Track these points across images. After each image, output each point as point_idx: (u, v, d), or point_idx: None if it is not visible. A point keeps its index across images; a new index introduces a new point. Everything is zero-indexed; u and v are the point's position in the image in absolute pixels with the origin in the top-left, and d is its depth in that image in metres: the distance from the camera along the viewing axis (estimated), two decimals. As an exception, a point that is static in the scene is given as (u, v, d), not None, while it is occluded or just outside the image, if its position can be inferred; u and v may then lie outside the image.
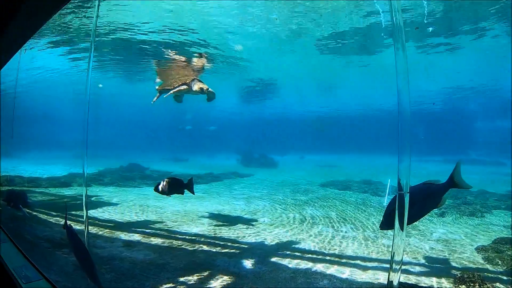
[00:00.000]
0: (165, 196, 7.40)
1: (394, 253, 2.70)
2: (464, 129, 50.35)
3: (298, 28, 12.15)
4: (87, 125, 5.21)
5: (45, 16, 2.46)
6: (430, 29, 12.41)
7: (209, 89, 9.73)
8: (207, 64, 15.50)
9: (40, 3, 2.23)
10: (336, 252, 7.16)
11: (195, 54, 14.02)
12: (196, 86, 9.82)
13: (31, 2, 2.13)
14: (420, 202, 3.99)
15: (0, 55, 2.94)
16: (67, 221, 4.73)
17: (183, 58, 13.98)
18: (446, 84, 23.51)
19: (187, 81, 10.07)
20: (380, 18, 11.38)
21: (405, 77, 2.63)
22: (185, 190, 7.39)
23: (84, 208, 5.00)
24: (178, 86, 10.07)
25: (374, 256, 6.95)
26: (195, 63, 14.87)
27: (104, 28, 11.90)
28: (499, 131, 46.40)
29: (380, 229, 4.30)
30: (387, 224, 4.16)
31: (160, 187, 7.27)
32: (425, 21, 11.75)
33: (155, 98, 10.96)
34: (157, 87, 11.09)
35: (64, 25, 11.43)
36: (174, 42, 12.81)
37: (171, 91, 10.22)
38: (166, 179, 7.32)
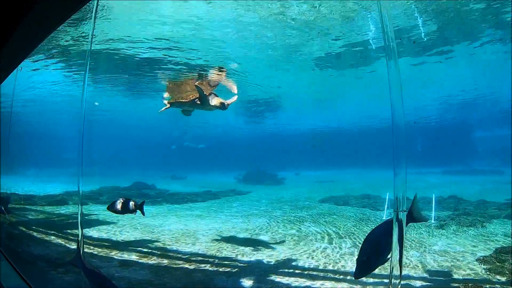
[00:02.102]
0: (162, 215, 7.35)
1: (393, 268, 2.65)
2: (462, 139, 50.44)
3: (295, 44, 12.25)
4: (82, 143, 5.16)
5: (47, 29, 2.44)
6: (425, 39, 12.54)
7: (229, 102, 9.56)
8: (226, 80, 15.04)
9: (43, 16, 2.21)
10: (336, 268, 7.06)
11: (215, 68, 13.73)
12: (215, 101, 9.50)
13: (32, 15, 2.10)
14: (387, 243, 3.74)
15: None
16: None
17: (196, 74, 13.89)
18: (443, 95, 23.66)
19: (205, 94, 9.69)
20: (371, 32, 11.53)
21: (398, 91, 2.61)
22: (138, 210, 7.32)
23: (79, 226, 4.93)
24: (195, 98, 9.60)
25: (375, 271, 6.83)
26: (213, 78, 14.47)
27: (101, 44, 11.90)
28: (497, 140, 46.56)
29: (355, 278, 3.82)
30: (362, 271, 3.70)
31: (113, 206, 7.18)
32: (422, 36, 11.93)
33: (164, 108, 10.51)
34: (166, 101, 10.75)
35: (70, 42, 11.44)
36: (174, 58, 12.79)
37: (188, 101, 9.75)
38: (120, 199, 7.26)
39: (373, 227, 4.05)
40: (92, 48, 11.89)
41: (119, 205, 7.04)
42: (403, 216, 2.66)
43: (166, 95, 15.79)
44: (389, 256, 3.00)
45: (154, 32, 10.84)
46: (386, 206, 14.26)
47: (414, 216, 3.88)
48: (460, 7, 9.99)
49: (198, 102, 9.57)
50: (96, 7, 8.86)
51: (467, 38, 12.60)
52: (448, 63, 15.09)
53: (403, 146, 2.68)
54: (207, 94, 9.54)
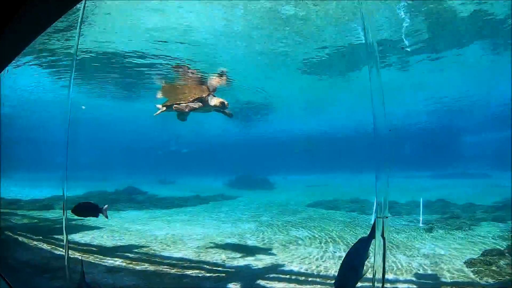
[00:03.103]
0: (150, 220, 7.32)
1: (375, 271, 2.66)
2: (451, 143, 51.03)
3: (284, 49, 12.28)
4: (67, 147, 5.11)
5: (39, 28, 2.41)
6: (409, 48, 12.69)
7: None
8: (225, 85, 14.66)
9: (33, 17, 2.19)
10: (324, 273, 7.06)
11: (216, 72, 13.40)
12: (215, 100, 9.26)
13: (24, 13, 2.07)
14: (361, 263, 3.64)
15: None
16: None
17: (199, 75, 13.32)
18: (432, 99, 23.93)
19: (204, 96, 9.43)
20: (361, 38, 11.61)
21: (380, 98, 2.64)
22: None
23: (64, 232, 4.87)
24: (193, 101, 9.30)
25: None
26: (213, 82, 13.98)
27: (89, 46, 11.74)
28: (485, 144, 47.20)
29: None
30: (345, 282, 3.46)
31: (77, 209, 7.15)
32: (406, 41, 12.05)
33: (159, 111, 10.14)
34: (159, 105, 10.39)
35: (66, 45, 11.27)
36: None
37: (190, 107, 9.30)
38: (83, 203, 7.25)
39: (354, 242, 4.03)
40: (79, 50, 11.76)
41: (82, 208, 7.04)
42: (384, 221, 2.67)
43: (159, 95, 15.26)
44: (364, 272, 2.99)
45: (142, 35, 10.71)
46: (374, 210, 14.33)
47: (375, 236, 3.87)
48: (448, 13, 10.14)
49: (200, 105, 9.28)
50: (83, 8, 8.75)
51: (455, 43, 12.75)
52: (436, 68, 15.28)
53: (385, 150, 2.70)
54: (205, 96, 9.35)
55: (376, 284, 2.71)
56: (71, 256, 7.78)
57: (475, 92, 21.88)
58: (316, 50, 12.63)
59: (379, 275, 2.64)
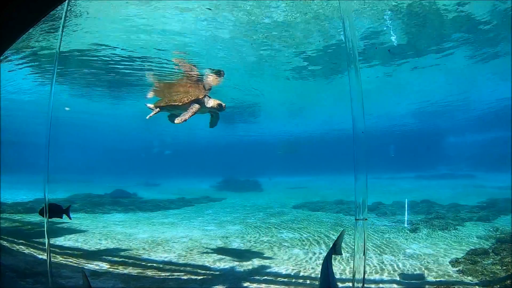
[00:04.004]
0: (134, 223, 7.27)
1: (354, 271, 2.67)
2: (435, 145, 51.82)
3: (269, 52, 12.28)
4: (48, 149, 5.02)
5: (23, 27, 2.35)
6: (394, 50, 12.83)
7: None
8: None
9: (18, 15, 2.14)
10: (310, 274, 7.07)
11: (214, 71, 12.83)
12: (212, 102, 8.85)
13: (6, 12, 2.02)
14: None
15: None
16: None
17: (196, 73, 12.81)
18: (416, 102, 24.22)
19: (200, 97, 8.96)
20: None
21: (359, 100, 2.65)
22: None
23: (46, 235, 4.78)
24: (191, 102, 8.79)
25: (349, 276, 6.89)
26: (209, 81, 13.41)
27: (73, 46, 11.53)
28: (469, 145, 48.08)
29: None
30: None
31: (42, 211, 7.12)
32: (395, 44, 12.19)
33: (153, 113, 9.56)
34: (149, 104, 9.97)
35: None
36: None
37: (189, 114, 8.67)
38: (47, 204, 7.20)
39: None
40: (63, 50, 11.56)
41: (46, 210, 6.96)
42: (362, 224, 2.68)
43: (150, 95, 14.92)
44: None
45: (127, 35, 10.55)
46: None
47: (336, 250, 3.89)
48: (432, 15, 10.27)
49: (198, 107, 8.79)
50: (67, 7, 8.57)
51: (438, 46, 12.94)
52: (420, 71, 15.47)
53: (363, 152, 2.72)
54: (201, 97, 8.96)
55: (356, 284, 2.72)
56: (55, 261, 7.66)
57: (458, 95, 22.25)
58: (300, 52, 12.67)
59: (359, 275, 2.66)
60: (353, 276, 2.70)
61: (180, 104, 9.00)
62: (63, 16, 8.43)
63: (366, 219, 2.81)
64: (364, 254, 2.64)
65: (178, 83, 13.47)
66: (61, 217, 7.33)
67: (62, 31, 9.49)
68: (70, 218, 7.51)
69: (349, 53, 2.69)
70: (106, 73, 14.35)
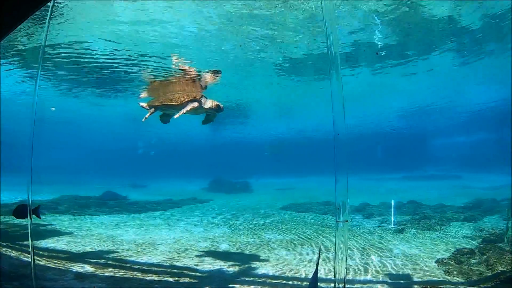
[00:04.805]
0: (121, 224, 7.18)
1: (336, 272, 2.69)
2: (422, 146, 52.34)
3: (257, 53, 12.29)
4: (32, 150, 4.96)
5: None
6: (383, 53, 12.96)
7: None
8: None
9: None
10: (297, 275, 7.08)
11: (212, 70, 12.78)
12: (210, 103, 8.74)
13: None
14: None
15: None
16: None
17: (194, 73, 12.68)
18: (403, 103, 24.48)
19: (198, 97, 8.79)
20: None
21: (341, 103, 2.67)
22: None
23: (29, 237, 4.71)
24: (188, 102, 8.62)
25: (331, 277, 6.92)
26: (206, 80, 13.27)
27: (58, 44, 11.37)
28: (455, 146, 48.69)
29: None
30: None
31: (13, 211, 7.06)
32: (379, 47, 12.31)
33: (148, 114, 9.35)
34: (143, 103, 9.75)
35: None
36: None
37: (183, 111, 8.67)
38: (19, 206, 7.17)
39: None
40: (48, 50, 11.42)
41: (17, 212, 6.92)
42: (342, 226, 2.70)
43: (143, 94, 14.49)
44: None
45: (113, 33, 10.42)
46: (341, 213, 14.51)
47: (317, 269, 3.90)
48: (420, 21, 10.40)
49: (197, 105, 8.67)
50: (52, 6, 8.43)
51: (425, 50, 13.10)
52: (407, 73, 15.66)
53: (344, 154, 2.74)
54: (198, 97, 8.82)
55: (337, 285, 2.74)
56: (40, 263, 7.56)
57: (445, 97, 22.58)
58: (289, 55, 12.72)
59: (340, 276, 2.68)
60: (334, 276, 2.72)
61: (177, 103, 8.84)
62: (49, 11, 8.31)
63: (347, 221, 2.82)
64: (346, 255, 2.67)
65: (174, 81, 13.30)
66: (31, 218, 7.25)
67: (48, 28, 9.37)
68: (39, 217, 7.37)
69: (331, 56, 2.72)
70: (92, 72, 14.22)
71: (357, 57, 13.30)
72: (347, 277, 6.81)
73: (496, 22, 10.65)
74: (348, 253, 8.60)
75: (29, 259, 7.67)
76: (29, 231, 4.85)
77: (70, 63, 13.05)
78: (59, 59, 12.53)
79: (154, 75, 13.33)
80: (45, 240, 9.91)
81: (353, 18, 9.86)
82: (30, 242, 4.69)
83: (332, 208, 17.20)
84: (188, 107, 8.71)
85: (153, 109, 9.28)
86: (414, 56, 13.63)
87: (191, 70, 12.41)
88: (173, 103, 8.87)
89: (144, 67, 12.82)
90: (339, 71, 2.71)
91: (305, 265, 7.76)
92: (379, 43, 11.95)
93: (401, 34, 11.31)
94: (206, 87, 13.31)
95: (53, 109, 23.94)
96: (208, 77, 13.06)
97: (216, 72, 12.84)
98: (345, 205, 2.74)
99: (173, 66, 12.38)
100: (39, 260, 7.77)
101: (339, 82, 2.65)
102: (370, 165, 47.51)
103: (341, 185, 2.65)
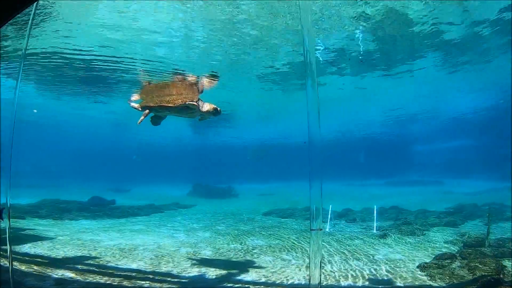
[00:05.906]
0: (102, 230, 7.08)
1: (310, 277, 2.72)
2: (404, 152, 52.86)
3: (238, 59, 12.35)
4: (11, 152, 4.89)
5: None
6: (365, 61, 13.16)
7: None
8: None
9: None
10: (280, 281, 7.08)
11: (211, 73, 12.67)
12: (208, 106, 8.50)
13: None
14: None
15: None
16: None
17: (192, 76, 12.55)
18: (386, 110, 24.80)
19: (194, 100, 8.51)
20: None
21: (316, 110, 2.72)
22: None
23: (7, 242, 4.64)
24: (184, 104, 8.36)
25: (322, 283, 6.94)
26: (204, 83, 13.07)
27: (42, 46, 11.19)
28: (437, 152, 49.36)
29: None
30: None
31: None
32: (360, 56, 12.51)
33: (142, 117, 8.95)
34: (134, 104, 9.47)
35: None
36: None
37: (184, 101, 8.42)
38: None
39: None
40: (32, 51, 11.25)
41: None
42: (315, 234, 2.73)
43: (135, 97, 14.02)
44: None
45: (99, 36, 10.33)
46: (329, 217, 14.63)
47: None
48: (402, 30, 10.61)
49: (194, 103, 8.38)
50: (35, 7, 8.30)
51: (409, 57, 13.33)
52: (390, 79, 15.90)
53: (318, 160, 2.79)
54: (195, 100, 8.51)
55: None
56: (19, 269, 7.41)
57: (427, 104, 22.99)
58: (272, 62, 12.82)
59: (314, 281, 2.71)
60: (309, 282, 2.76)
61: (172, 105, 8.56)
62: (32, 13, 8.19)
63: (321, 229, 2.85)
64: (320, 262, 2.70)
65: (171, 84, 13.05)
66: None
67: (30, 28, 9.22)
68: (2, 219, 7.25)
69: (307, 63, 2.77)
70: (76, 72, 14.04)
71: (340, 63, 13.46)
72: (328, 283, 6.87)
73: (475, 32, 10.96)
74: (329, 259, 8.67)
75: (7, 265, 7.51)
76: (7, 235, 4.76)
77: (52, 63, 12.88)
78: (42, 59, 12.35)
79: (149, 77, 13.25)
80: (25, 245, 9.72)
81: (336, 24, 10.00)
82: (8, 247, 4.60)
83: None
84: (181, 106, 8.48)
85: (147, 110, 9.00)
86: (398, 63, 13.86)
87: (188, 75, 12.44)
88: (170, 105, 8.59)
89: (133, 70, 12.80)
90: (314, 78, 2.76)
91: (289, 271, 7.78)
92: (362, 49, 12.13)
93: (384, 41, 11.51)
94: (202, 91, 13.25)
95: (35, 111, 23.57)
96: (206, 81, 13.03)
97: (214, 76, 12.75)
98: (319, 211, 2.77)
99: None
100: (19, 266, 7.62)
101: (314, 90, 2.70)
102: (353, 170, 47.86)
103: (315, 191, 2.69)
